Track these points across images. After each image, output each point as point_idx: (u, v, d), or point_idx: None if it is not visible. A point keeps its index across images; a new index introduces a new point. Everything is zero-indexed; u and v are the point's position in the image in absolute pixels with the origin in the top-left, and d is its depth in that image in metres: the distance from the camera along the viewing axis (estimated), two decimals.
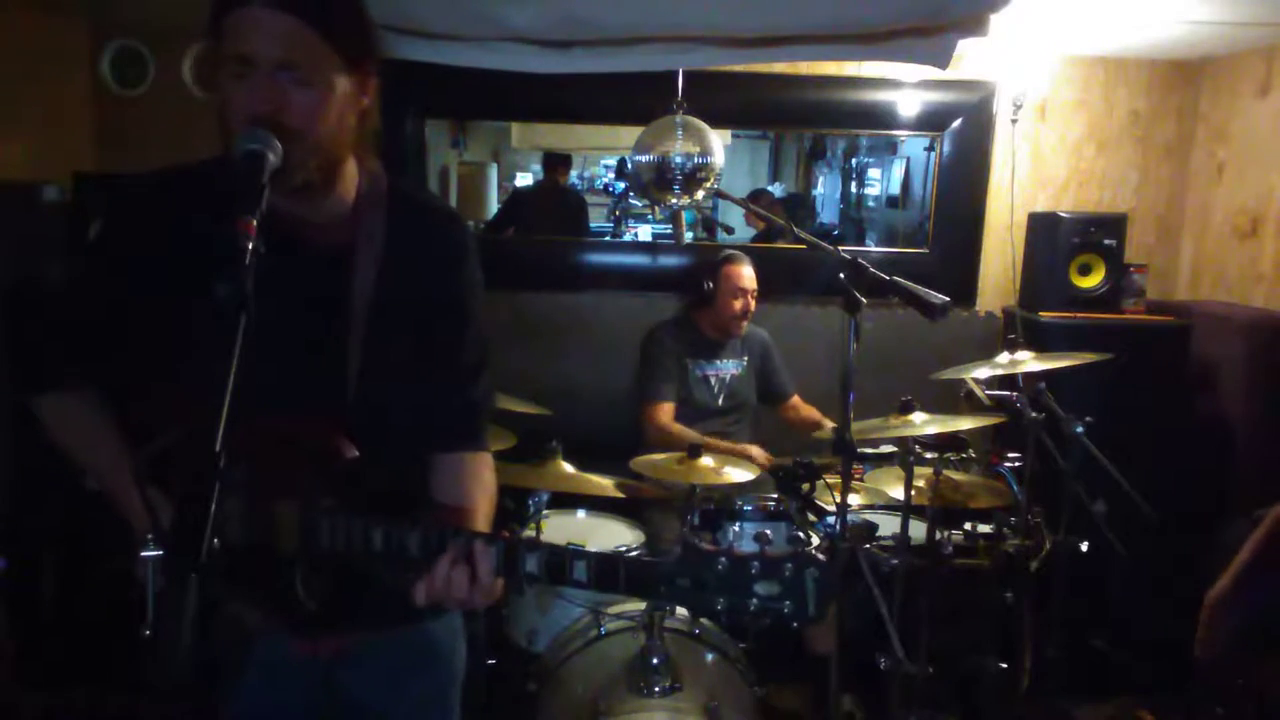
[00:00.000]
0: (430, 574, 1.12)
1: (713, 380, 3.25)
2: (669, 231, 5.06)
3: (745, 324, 3.24)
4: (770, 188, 6.07)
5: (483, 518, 1.32)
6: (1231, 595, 1.93)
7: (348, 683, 1.39)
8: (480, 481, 1.38)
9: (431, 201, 1.43)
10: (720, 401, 3.26)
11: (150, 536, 1.08)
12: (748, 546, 1.06)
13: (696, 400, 3.22)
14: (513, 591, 2.60)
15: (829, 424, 3.23)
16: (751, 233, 4.97)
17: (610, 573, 1.07)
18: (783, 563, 1.02)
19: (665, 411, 3.15)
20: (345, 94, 1.19)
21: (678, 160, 2.60)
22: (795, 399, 3.41)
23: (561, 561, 1.09)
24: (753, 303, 3.20)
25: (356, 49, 1.18)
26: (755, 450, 3.06)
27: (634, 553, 2.58)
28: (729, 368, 3.28)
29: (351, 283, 1.27)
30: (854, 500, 2.87)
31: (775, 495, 2.74)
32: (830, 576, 1.03)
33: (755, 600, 1.02)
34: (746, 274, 3.18)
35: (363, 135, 1.26)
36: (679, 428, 3.10)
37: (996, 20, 2.38)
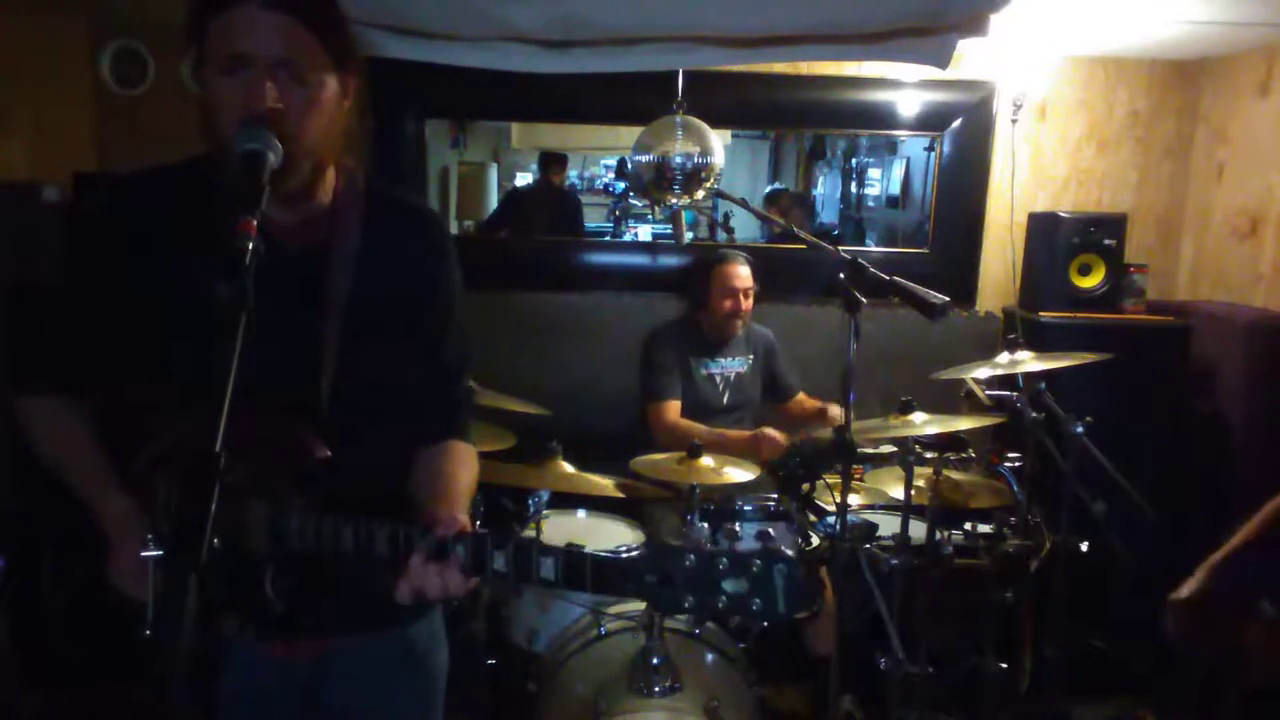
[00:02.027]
0: (407, 574, 1.11)
1: (717, 378, 3.25)
2: (669, 231, 5.06)
3: (740, 323, 3.23)
4: (777, 186, 6.07)
5: (462, 500, 1.30)
6: (1231, 559, 1.95)
7: (328, 689, 1.39)
8: (460, 464, 1.36)
9: (409, 200, 1.42)
10: (725, 400, 3.25)
11: (150, 537, 1.08)
12: (720, 543, 1.04)
13: (701, 399, 3.21)
14: (511, 592, 2.60)
15: (835, 410, 3.18)
16: (756, 233, 4.96)
17: (577, 569, 1.06)
18: (751, 559, 1.00)
19: (672, 409, 3.14)
20: (334, 93, 1.19)
21: (678, 160, 2.60)
22: (800, 397, 3.40)
23: (528, 558, 1.08)
24: (745, 302, 3.18)
25: (343, 48, 1.19)
26: (768, 430, 3.04)
27: (633, 553, 2.58)
28: (734, 366, 3.28)
29: (327, 281, 1.27)
30: (854, 500, 2.87)
31: (775, 495, 2.74)
32: (800, 573, 1.01)
33: (724, 598, 1.01)
34: (739, 273, 3.16)
35: (344, 135, 1.26)
36: (687, 423, 3.09)
37: (996, 20, 2.38)
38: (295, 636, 1.31)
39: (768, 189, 5.96)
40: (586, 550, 1.07)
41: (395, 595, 1.12)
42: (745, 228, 5.14)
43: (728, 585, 1.01)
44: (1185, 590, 1.99)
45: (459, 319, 1.40)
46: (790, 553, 1.01)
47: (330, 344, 1.26)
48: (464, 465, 1.36)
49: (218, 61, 1.12)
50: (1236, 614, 1.93)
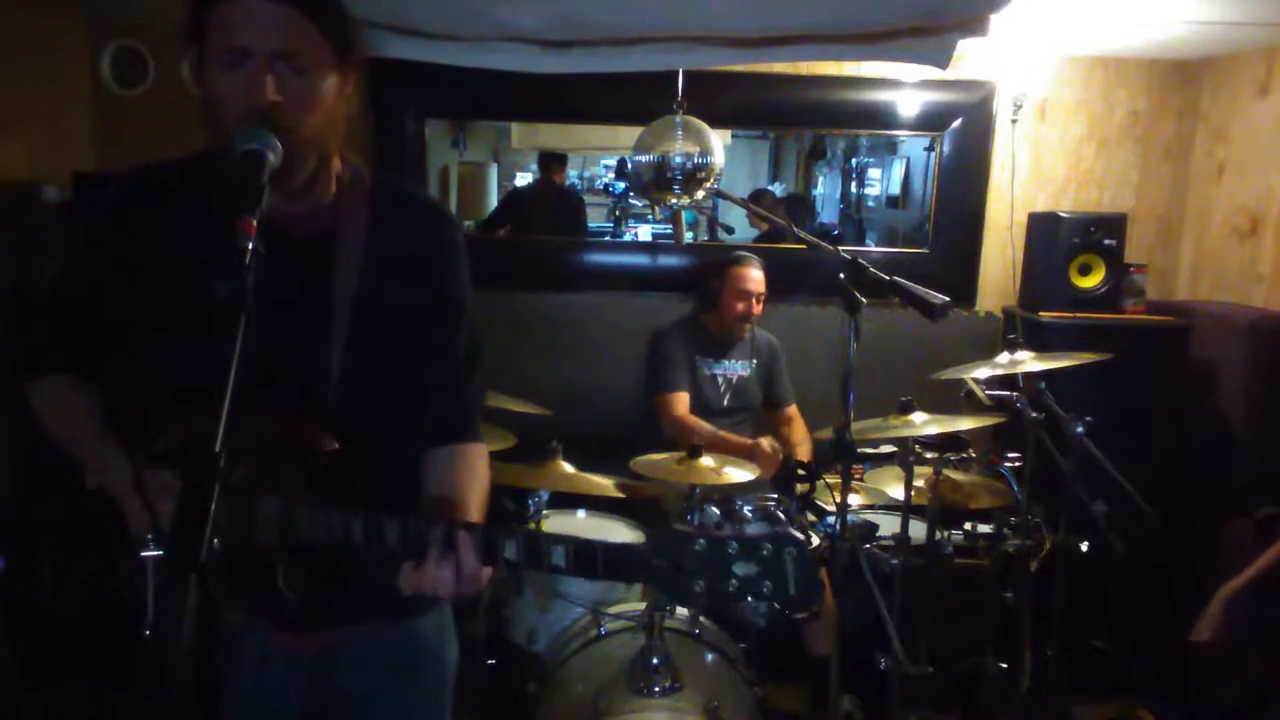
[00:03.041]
0: (419, 569, 1.11)
1: (719, 380, 3.25)
2: (669, 231, 5.05)
3: (749, 326, 3.23)
4: (770, 187, 6.06)
5: (474, 508, 1.31)
6: (1245, 592, 1.95)
7: (337, 680, 1.38)
8: (472, 471, 1.36)
9: (416, 194, 1.41)
10: (726, 402, 3.25)
11: (150, 536, 1.08)
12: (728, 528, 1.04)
13: (702, 399, 3.21)
14: (511, 592, 2.60)
15: (804, 451, 3.22)
16: (754, 233, 4.96)
17: (588, 556, 1.07)
18: (760, 542, 1.01)
19: (681, 401, 3.14)
20: (335, 85, 1.19)
21: (678, 160, 2.60)
22: (789, 411, 3.39)
23: (539, 547, 1.08)
24: (758, 305, 3.18)
25: (344, 40, 1.19)
26: (765, 441, 3.05)
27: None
28: (736, 368, 3.28)
29: (334, 277, 1.26)
30: (854, 500, 2.87)
31: (775, 495, 2.74)
32: (810, 555, 1.01)
33: (734, 581, 1.01)
34: (753, 276, 3.17)
35: (347, 127, 1.26)
36: (694, 419, 3.09)
37: (996, 20, 2.38)
38: (305, 629, 1.31)
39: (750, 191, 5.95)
40: (596, 539, 1.07)
41: (402, 589, 1.12)
42: (745, 227, 5.13)
43: (738, 569, 1.01)
44: (1205, 632, 1.98)
45: (470, 315, 1.39)
46: (800, 535, 1.01)
47: (338, 338, 1.26)
48: (475, 476, 1.36)
49: (217, 55, 1.12)
50: (1260, 651, 1.93)
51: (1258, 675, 1.95)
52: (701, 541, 1.02)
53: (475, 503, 1.32)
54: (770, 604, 1.00)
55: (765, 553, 1.00)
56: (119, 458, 1.21)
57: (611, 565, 1.06)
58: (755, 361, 3.31)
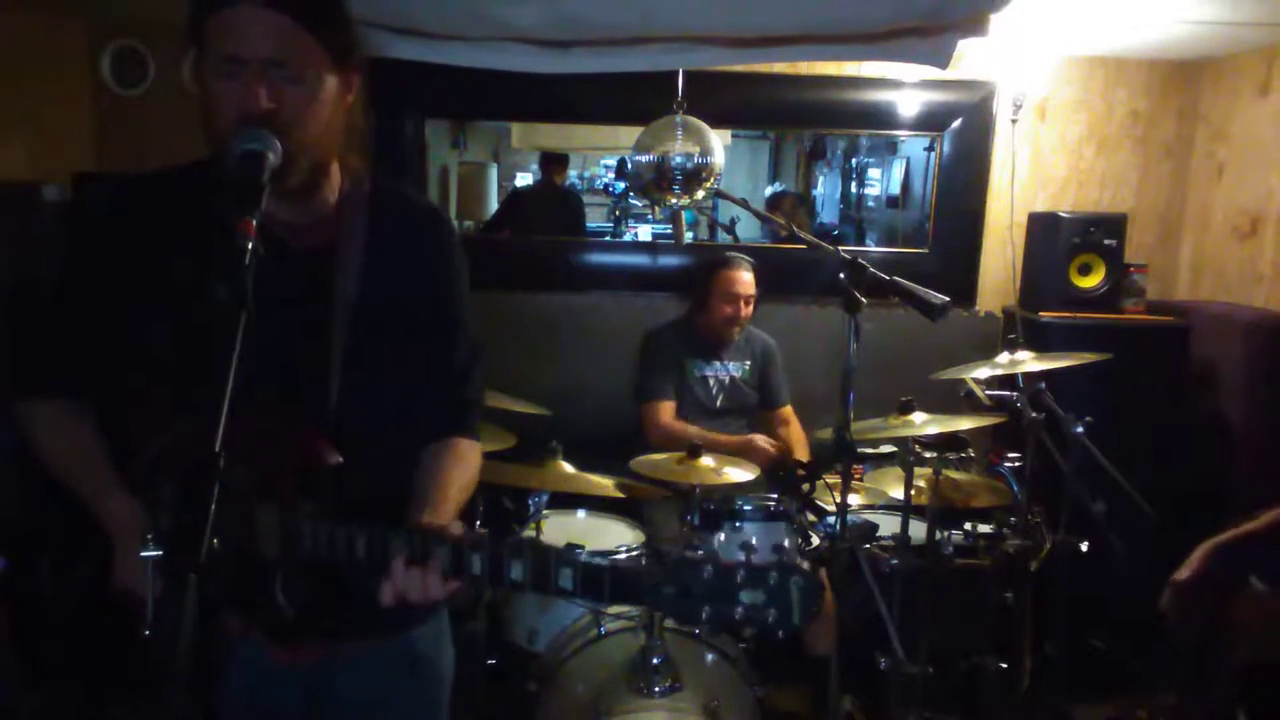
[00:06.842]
0: (389, 576, 1.11)
1: (711, 381, 3.25)
2: (669, 231, 5.06)
3: (737, 330, 3.21)
4: (770, 187, 6.07)
5: (454, 491, 1.30)
6: (1232, 544, 1.96)
7: (334, 689, 1.38)
8: (459, 458, 1.35)
9: (415, 200, 1.41)
10: (718, 403, 3.25)
11: (150, 537, 1.08)
12: (733, 553, 1.05)
13: (694, 400, 3.21)
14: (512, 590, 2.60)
15: (802, 453, 3.21)
16: (756, 233, 4.96)
17: (596, 581, 1.06)
18: (768, 572, 1.02)
19: (666, 410, 3.14)
20: (333, 91, 1.19)
21: (678, 160, 2.60)
22: (784, 412, 3.38)
23: (547, 570, 1.07)
24: (746, 308, 3.17)
25: (343, 46, 1.19)
26: (759, 438, 3.04)
27: (634, 553, 2.58)
28: (729, 370, 3.27)
29: (334, 282, 1.26)
30: (854, 500, 2.87)
31: (775, 495, 2.74)
32: (816, 585, 1.02)
33: (740, 609, 1.02)
34: (742, 279, 3.14)
35: (347, 134, 1.26)
36: (680, 425, 3.09)
37: (996, 20, 2.38)
38: (301, 640, 1.30)
39: (769, 191, 5.96)
40: (604, 562, 1.06)
41: (379, 597, 1.12)
42: (746, 228, 5.13)
43: (744, 597, 1.02)
44: (1184, 572, 2.01)
45: (467, 319, 1.39)
46: (806, 565, 1.02)
47: (338, 345, 1.26)
48: (461, 466, 1.35)
49: (214, 62, 1.12)
50: (1226, 591, 1.95)
51: (1226, 615, 1.96)
52: (709, 569, 1.03)
53: (456, 486, 1.31)
54: (773, 632, 1.02)
55: (772, 582, 1.02)
56: (111, 490, 1.20)
57: (619, 590, 1.06)
58: (749, 363, 3.30)
